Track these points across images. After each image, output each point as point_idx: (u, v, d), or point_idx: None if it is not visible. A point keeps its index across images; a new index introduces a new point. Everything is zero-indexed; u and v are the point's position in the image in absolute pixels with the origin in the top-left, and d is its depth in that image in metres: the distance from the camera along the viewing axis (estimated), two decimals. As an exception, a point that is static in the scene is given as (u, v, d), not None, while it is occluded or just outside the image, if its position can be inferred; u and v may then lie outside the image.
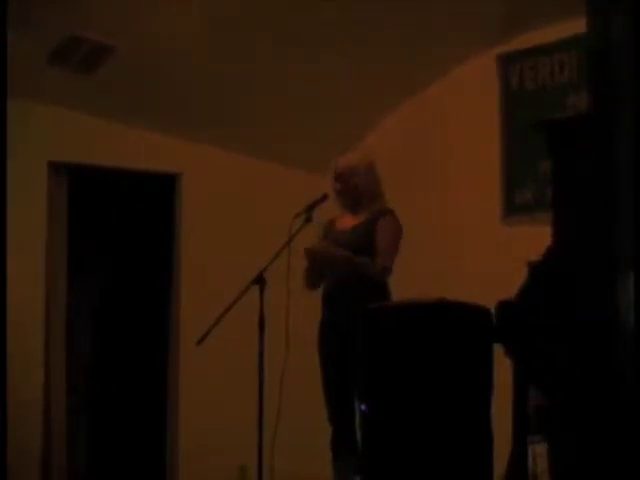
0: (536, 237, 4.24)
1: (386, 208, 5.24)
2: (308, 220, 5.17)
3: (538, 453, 4.34)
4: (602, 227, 3.61)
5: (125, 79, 6.53)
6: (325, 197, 5.26)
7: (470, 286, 5.82)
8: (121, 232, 7.78)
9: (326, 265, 5.16)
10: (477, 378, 4.25)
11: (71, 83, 6.52)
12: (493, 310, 4.23)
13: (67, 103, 6.66)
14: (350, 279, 5.09)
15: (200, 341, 4.93)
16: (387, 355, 4.34)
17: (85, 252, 7.42)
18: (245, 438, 5.45)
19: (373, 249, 5.11)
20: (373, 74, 6.75)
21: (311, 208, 5.20)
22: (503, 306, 4.20)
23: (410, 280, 5.18)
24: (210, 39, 6.28)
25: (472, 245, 6.60)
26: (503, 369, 4.22)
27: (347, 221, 5.27)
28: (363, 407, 4.44)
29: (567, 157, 3.83)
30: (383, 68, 6.71)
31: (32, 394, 6.56)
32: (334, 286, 5.17)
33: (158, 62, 6.42)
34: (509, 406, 4.18)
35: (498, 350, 4.26)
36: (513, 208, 6.48)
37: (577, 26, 4.77)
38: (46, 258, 6.71)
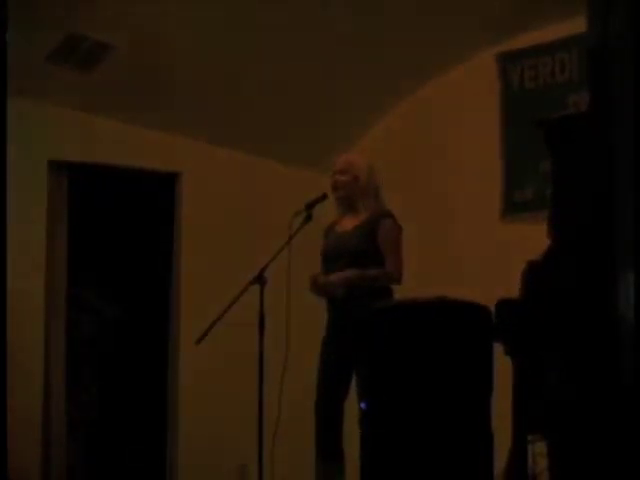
0: (536, 236, 4.24)
1: (386, 210, 5.23)
2: (308, 219, 5.18)
3: (538, 452, 4.33)
4: (601, 226, 3.61)
5: (125, 77, 6.52)
6: (325, 196, 5.27)
7: (470, 285, 5.82)
8: (121, 230, 7.77)
9: (335, 289, 5.11)
10: (477, 376, 4.26)
11: (71, 81, 6.51)
12: (493, 309, 4.23)
13: (67, 101, 6.65)
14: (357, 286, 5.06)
15: (199, 340, 4.91)
16: (387, 353, 4.34)
17: (85, 250, 7.41)
18: (245, 438, 5.45)
19: (376, 251, 5.10)
20: (373, 73, 6.75)
21: (311, 207, 5.20)
22: (503, 305, 4.21)
23: (410, 279, 5.16)
24: (210, 38, 6.28)
25: (472, 244, 6.60)
26: (503, 367, 4.23)
27: (347, 222, 5.25)
28: (363, 405, 4.45)
29: (566, 155, 3.83)
30: (383, 67, 6.71)
31: (32, 392, 6.55)
32: (341, 293, 5.13)
33: (158, 60, 6.42)
34: (509, 404, 4.19)
35: (498, 348, 4.27)
36: (513, 207, 6.48)
37: (578, 25, 4.78)
38: (46, 256, 6.70)
